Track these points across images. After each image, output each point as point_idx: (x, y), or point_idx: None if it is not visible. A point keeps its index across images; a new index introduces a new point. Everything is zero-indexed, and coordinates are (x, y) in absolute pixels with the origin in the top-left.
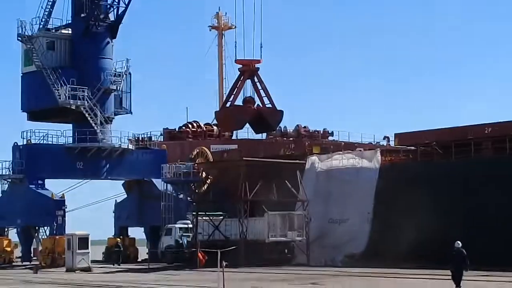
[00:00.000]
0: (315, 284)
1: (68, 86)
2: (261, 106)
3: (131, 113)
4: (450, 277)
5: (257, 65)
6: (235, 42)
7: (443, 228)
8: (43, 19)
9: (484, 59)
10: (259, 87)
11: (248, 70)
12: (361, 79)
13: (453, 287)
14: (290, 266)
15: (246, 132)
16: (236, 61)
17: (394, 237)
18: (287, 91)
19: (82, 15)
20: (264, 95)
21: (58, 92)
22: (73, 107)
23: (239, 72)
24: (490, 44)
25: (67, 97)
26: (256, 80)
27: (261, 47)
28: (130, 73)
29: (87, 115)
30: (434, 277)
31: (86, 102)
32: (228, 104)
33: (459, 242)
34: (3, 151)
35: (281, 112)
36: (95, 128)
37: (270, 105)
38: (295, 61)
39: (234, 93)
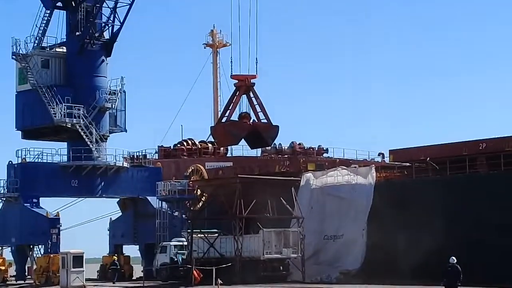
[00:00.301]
0: None
1: (64, 104)
2: (257, 121)
3: (126, 131)
4: None
5: (252, 81)
6: (231, 57)
7: (439, 244)
8: (37, 38)
9: (479, 75)
10: (255, 103)
11: (244, 85)
12: (357, 95)
13: None
14: (285, 283)
15: (241, 150)
16: (232, 77)
17: (390, 253)
18: (281, 106)
19: (77, 33)
20: (260, 111)
21: (54, 111)
22: (69, 125)
23: (234, 88)
24: (484, 60)
25: (62, 116)
26: (251, 95)
27: (257, 62)
28: (124, 91)
29: (82, 133)
30: None
31: (81, 120)
32: (224, 120)
33: (453, 258)
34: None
35: (277, 127)
36: (91, 146)
37: (265, 121)
38: (289, 76)
39: (229, 108)
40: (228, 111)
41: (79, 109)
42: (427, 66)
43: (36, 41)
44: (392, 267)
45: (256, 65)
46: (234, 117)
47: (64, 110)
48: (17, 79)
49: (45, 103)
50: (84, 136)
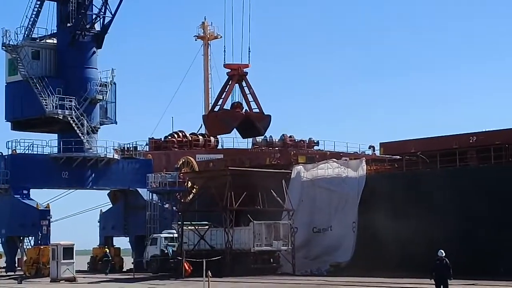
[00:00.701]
0: None
1: (55, 96)
2: (249, 111)
3: (116, 123)
4: (433, 286)
5: (245, 70)
6: (224, 46)
7: (429, 237)
8: (27, 28)
9: (469, 68)
10: (247, 92)
11: (237, 74)
12: (346, 87)
13: None
14: (276, 275)
15: (232, 142)
16: (225, 66)
17: (380, 246)
18: (272, 98)
19: (68, 24)
20: (252, 100)
21: (46, 102)
22: (60, 117)
23: (227, 77)
24: (475, 53)
25: (54, 107)
26: (244, 84)
27: (249, 51)
28: (115, 83)
29: (74, 125)
30: (419, 286)
31: (73, 112)
32: (216, 109)
33: (442, 251)
34: None
35: (269, 117)
36: (82, 138)
37: (257, 110)
38: (280, 69)
39: (222, 97)
40: (221, 100)
41: (70, 101)
42: (417, 59)
43: (27, 32)
44: (382, 259)
45: (249, 54)
46: (227, 106)
47: (56, 101)
48: (6, 70)
49: (36, 94)
50: (76, 128)
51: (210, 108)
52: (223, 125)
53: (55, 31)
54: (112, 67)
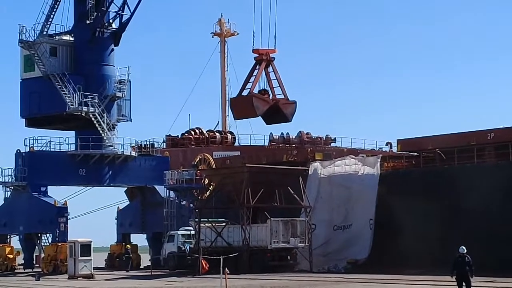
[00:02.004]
0: None
1: (81, 93)
2: (273, 96)
3: (131, 120)
4: (454, 283)
5: (272, 55)
6: (253, 31)
7: (446, 234)
8: (44, 25)
9: (488, 65)
10: (272, 78)
11: (265, 59)
12: (363, 84)
13: None
14: (293, 272)
15: (249, 139)
16: (253, 50)
17: (397, 243)
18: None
19: (88, 22)
20: (277, 86)
21: (69, 99)
22: (83, 114)
23: (254, 61)
24: (494, 49)
25: (77, 104)
26: (270, 70)
27: (275, 37)
28: (130, 81)
29: (95, 122)
30: (436, 283)
31: (96, 109)
32: (245, 93)
33: (463, 247)
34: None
35: (295, 103)
36: (103, 135)
37: (282, 96)
38: (298, 67)
39: (251, 81)
40: (251, 83)
41: (94, 98)
42: (435, 56)
43: (43, 28)
44: (399, 256)
45: (275, 40)
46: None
47: (80, 98)
48: (22, 66)
49: (59, 91)
50: (97, 125)
51: (239, 91)
52: (252, 109)
53: (69, 28)
54: (128, 65)
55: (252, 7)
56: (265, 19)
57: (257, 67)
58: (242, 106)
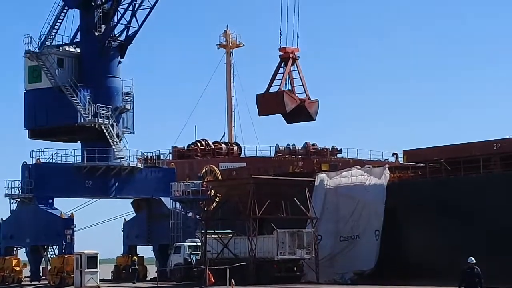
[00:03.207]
0: None
1: (97, 105)
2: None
3: (133, 132)
4: None
5: (297, 54)
6: (280, 30)
7: (453, 245)
8: (51, 36)
9: (493, 74)
10: (295, 76)
11: (293, 57)
12: (368, 95)
13: None
14: (300, 284)
15: (255, 150)
16: (280, 49)
17: (403, 254)
18: None
19: (96, 33)
20: (300, 85)
21: (83, 110)
22: (96, 126)
23: (279, 60)
24: (499, 58)
25: (92, 116)
26: (294, 68)
27: (298, 36)
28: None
29: (107, 134)
30: None
31: (110, 121)
32: (271, 90)
33: (472, 258)
34: (3, 169)
35: (318, 101)
36: (114, 147)
37: (304, 95)
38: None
39: (276, 79)
40: (280, 81)
41: (107, 110)
42: (441, 66)
43: (50, 40)
44: (406, 267)
45: (297, 39)
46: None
47: (94, 110)
48: (26, 77)
49: (72, 102)
50: (109, 137)
51: (265, 89)
52: (281, 105)
53: (71, 39)
54: (133, 76)
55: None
56: (290, 18)
57: (282, 65)
58: (270, 102)
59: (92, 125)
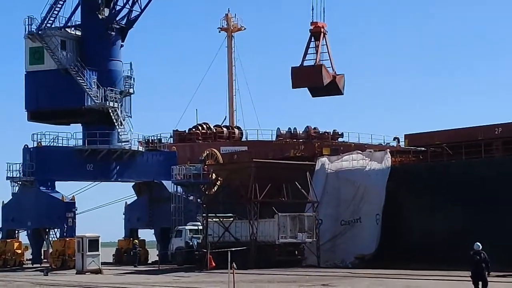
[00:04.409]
0: (325, 286)
1: (107, 88)
2: None
3: (131, 116)
4: (463, 278)
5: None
6: (312, 5)
7: (454, 229)
8: (52, 17)
9: (495, 59)
10: (322, 50)
11: (324, 32)
12: (371, 79)
13: None
14: (301, 267)
15: (256, 134)
16: (312, 23)
17: (405, 238)
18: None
19: (100, 16)
20: (327, 59)
21: (93, 93)
22: (105, 109)
23: (310, 34)
24: (501, 43)
25: (102, 99)
26: (323, 43)
27: (324, 11)
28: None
29: (114, 117)
30: (444, 279)
31: (118, 104)
32: (305, 64)
33: (479, 243)
34: (4, 151)
35: (344, 75)
36: (119, 130)
37: (331, 70)
38: None
39: (309, 53)
40: (316, 54)
41: (116, 93)
42: (442, 50)
43: (51, 21)
44: (407, 251)
45: (324, 14)
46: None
47: (103, 93)
48: (27, 58)
49: (80, 85)
50: (115, 120)
51: (301, 63)
52: (319, 78)
53: (72, 21)
54: (134, 60)
55: None
56: None
57: (313, 40)
58: (307, 75)
59: (100, 108)
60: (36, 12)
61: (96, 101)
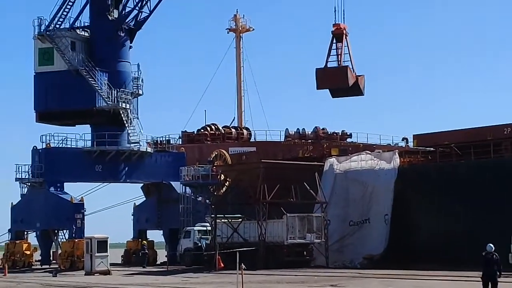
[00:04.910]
0: (334, 286)
1: (120, 89)
2: None
3: (138, 117)
4: (472, 279)
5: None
6: (335, 6)
7: (462, 229)
8: (61, 18)
9: (504, 58)
10: (344, 52)
11: (346, 34)
12: (378, 79)
13: None
14: (309, 268)
15: (264, 135)
16: (334, 25)
17: (413, 238)
18: (305, 91)
19: (110, 18)
20: (347, 60)
21: (105, 95)
22: (118, 111)
23: (332, 35)
24: (509, 44)
25: (115, 100)
26: (344, 44)
27: (344, 13)
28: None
29: (125, 118)
30: (453, 279)
31: (131, 106)
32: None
33: (491, 245)
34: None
35: (364, 77)
36: (130, 131)
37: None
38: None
39: (332, 55)
40: (338, 56)
41: (127, 95)
42: (451, 50)
43: (60, 22)
44: (416, 252)
45: (344, 16)
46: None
47: (116, 94)
48: (36, 59)
49: (92, 86)
50: (125, 122)
51: (324, 64)
52: (344, 79)
53: (77, 23)
54: (141, 61)
55: None
56: None
57: (334, 41)
58: (332, 76)
59: (112, 109)
60: (40, 13)
61: (108, 102)
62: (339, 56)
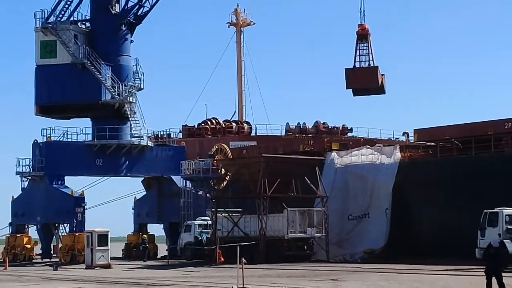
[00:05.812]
0: (334, 281)
1: (128, 83)
2: None
3: (141, 111)
4: (473, 272)
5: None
6: (360, 8)
7: (463, 224)
8: (63, 11)
9: (505, 52)
10: (366, 52)
11: (369, 34)
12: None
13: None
14: (310, 262)
15: (265, 129)
16: (359, 25)
17: (413, 233)
18: (306, 85)
19: (113, 12)
20: (369, 60)
21: (112, 89)
22: (124, 105)
23: (356, 36)
24: (510, 39)
25: (124, 94)
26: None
27: (364, 14)
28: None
29: (129, 112)
30: (453, 273)
31: (137, 100)
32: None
33: (496, 241)
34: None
35: (384, 75)
36: (133, 125)
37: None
38: (312, 56)
39: (361, 54)
40: (368, 56)
41: (133, 89)
42: (452, 45)
43: (61, 15)
44: (416, 246)
45: (364, 16)
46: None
47: (122, 87)
48: (38, 52)
49: (98, 79)
50: (130, 116)
51: (353, 64)
52: (375, 79)
53: (73, 16)
54: (141, 56)
55: None
56: None
57: (358, 42)
58: (363, 76)
59: (117, 103)
60: (38, 5)
61: (115, 96)
62: (369, 55)
